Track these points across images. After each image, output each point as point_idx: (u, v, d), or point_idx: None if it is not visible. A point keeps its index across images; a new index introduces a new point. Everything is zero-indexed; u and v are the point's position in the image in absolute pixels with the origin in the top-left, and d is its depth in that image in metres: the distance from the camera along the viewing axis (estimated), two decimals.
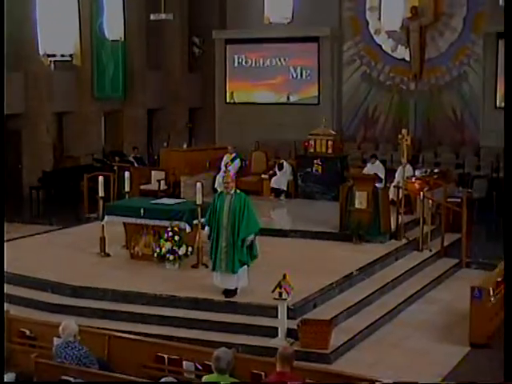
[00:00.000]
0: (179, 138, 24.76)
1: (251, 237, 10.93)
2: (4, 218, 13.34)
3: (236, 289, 11.18)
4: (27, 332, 9.26)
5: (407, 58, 23.96)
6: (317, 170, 18.73)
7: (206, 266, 12.11)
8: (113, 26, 22.64)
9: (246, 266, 11.11)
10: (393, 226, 14.95)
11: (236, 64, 25.80)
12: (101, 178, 14.00)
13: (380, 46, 24.47)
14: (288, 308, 10.21)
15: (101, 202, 13.90)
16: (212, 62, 26.45)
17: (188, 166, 19.83)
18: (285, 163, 19.41)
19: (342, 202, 15.02)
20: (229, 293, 11.15)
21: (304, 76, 25.05)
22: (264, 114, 25.06)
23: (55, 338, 8.37)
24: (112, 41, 23.12)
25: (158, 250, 12.60)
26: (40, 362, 7.85)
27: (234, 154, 20.06)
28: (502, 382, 8.14)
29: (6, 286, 12.02)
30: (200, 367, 8.20)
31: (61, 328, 7.97)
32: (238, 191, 11.17)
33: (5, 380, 6.96)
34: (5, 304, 11.03)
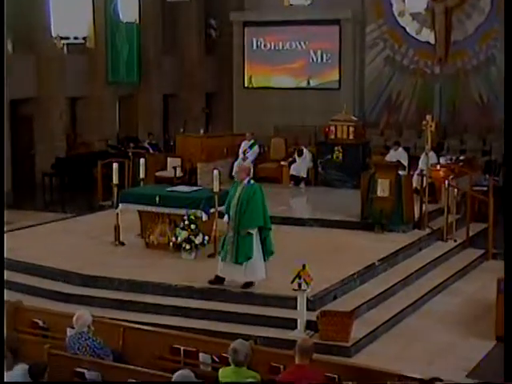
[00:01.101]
0: (196, 123, 24.77)
1: (251, 229, 10.86)
2: (4, 217, 13.43)
3: (252, 282, 11.17)
4: (40, 322, 9.31)
5: (432, 41, 23.83)
6: (338, 157, 18.70)
7: None
8: (127, 8, 22.66)
9: (262, 260, 11.07)
10: (416, 215, 14.91)
11: (254, 47, 25.76)
12: (115, 165, 14.02)
13: (404, 29, 24.35)
14: (307, 299, 10.22)
15: (115, 190, 13.93)
16: (229, 45, 26.42)
17: (205, 153, 19.83)
18: (305, 150, 19.39)
19: (363, 190, 14.99)
20: (220, 281, 11.19)
21: (325, 60, 24.97)
22: (283, 99, 25.02)
23: (68, 329, 8.41)
24: (126, 23, 23.15)
25: (173, 238, 12.63)
26: (53, 353, 7.89)
27: (252, 141, 20.05)
28: (502, 382, 8.19)
29: (18, 275, 12.15)
30: (217, 359, 8.22)
31: (74, 318, 8.02)
32: (253, 182, 11.13)
33: (17, 372, 7.02)
34: (17, 294, 11.13)
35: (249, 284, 11.16)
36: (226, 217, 11.28)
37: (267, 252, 11.06)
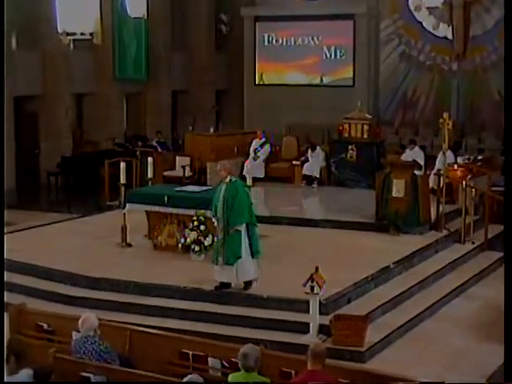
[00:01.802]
0: (205, 121, 24.78)
1: (239, 226, 10.86)
2: (4, 216, 13.46)
3: (250, 282, 11.17)
4: (45, 326, 9.32)
5: (450, 36, 23.74)
6: (351, 157, 18.69)
7: None
8: (135, 3, 22.73)
9: (252, 259, 11.05)
10: (433, 216, 14.89)
11: (266, 43, 25.75)
12: (122, 164, 14.05)
13: (420, 24, 24.28)
14: (320, 303, 10.21)
15: (122, 189, 13.97)
16: (240, 40, 26.41)
17: (214, 152, 19.86)
18: (318, 147, 19.42)
19: (378, 190, 14.98)
20: (226, 286, 11.18)
21: (338, 56, 24.95)
22: (295, 96, 24.99)
23: (74, 332, 8.42)
24: (134, 18, 23.20)
25: (182, 240, 12.64)
26: (58, 357, 7.90)
27: (263, 139, 20.05)
28: (502, 382, 8.28)
29: (22, 277, 12.17)
30: (226, 364, 8.22)
31: (80, 322, 8.02)
32: (235, 179, 11.15)
33: (22, 375, 7.04)
34: (21, 296, 11.15)
35: (248, 284, 11.15)
36: (214, 219, 11.26)
37: (254, 251, 11.04)
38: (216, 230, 11.26)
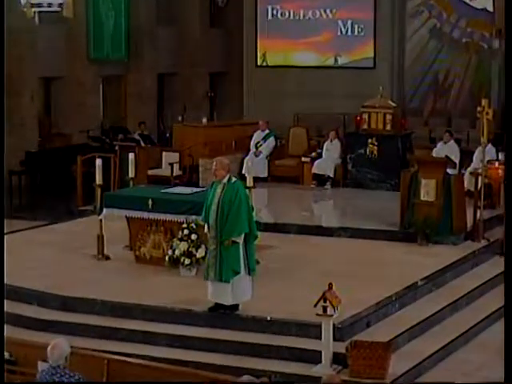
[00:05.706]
0: (197, 110, 24.85)
1: (237, 238, 10.87)
2: (4, 218, 13.52)
3: (237, 305, 11.17)
4: (6, 355, 9.34)
5: (490, 8, 23.78)
6: (372, 152, 18.71)
7: None
8: None
9: (247, 276, 11.07)
10: (469, 224, 14.90)
11: (270, 17, 25.78)
12: (98, 161, 14.08)
13: None
14: (334, 327, 10.23)
15: (98, 192, 13.98)
16: (239, 14, 26.45)
17: (208, 146, 19.90)
18: (336, 140, 19.35)
19: (403, 192, 15.00)
20: (224, 308, 11.16)
21: (356, 32, 24.97)
22: (305, 80, 25.03)
23: (40, 363, 8.45)
24: None
25: (170, 251, 12.67)
26: None
27: (266, 131, 20.07)
28: (502, 382, 8.59)
29: None
30: None
31: (49, 349, 8.03)
32: (234, 179, 11.13)
33: None
34: None
35: (232, 309, 11.15)
36: (205, 226, 11.26)
37: (251, 268, 11.03)
38: (207, 238, 11.25)
